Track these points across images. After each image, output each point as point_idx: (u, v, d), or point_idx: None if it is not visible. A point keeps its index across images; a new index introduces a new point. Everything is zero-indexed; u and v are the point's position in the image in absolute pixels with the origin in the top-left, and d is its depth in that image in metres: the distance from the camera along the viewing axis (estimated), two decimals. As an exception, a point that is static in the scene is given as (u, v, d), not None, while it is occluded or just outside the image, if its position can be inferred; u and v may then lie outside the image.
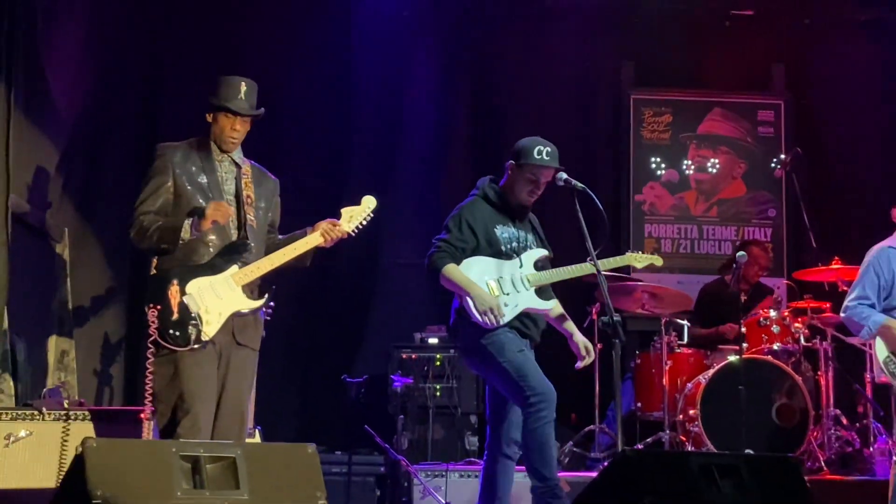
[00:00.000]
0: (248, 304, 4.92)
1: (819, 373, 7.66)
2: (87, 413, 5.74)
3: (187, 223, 4.81)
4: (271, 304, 6.43)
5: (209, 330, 4.78)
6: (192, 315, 4.75)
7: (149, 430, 5.43)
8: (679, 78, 9.67)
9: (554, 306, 5.55)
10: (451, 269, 5.35)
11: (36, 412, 5.65)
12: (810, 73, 9.66)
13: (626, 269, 8.90)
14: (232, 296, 4.86)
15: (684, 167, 9.56)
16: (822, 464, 7.25)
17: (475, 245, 5.44)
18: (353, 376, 7.45)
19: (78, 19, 7.31)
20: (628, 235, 9.27)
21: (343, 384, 7.41)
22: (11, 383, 6.20)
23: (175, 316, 4.74)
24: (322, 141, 8.88)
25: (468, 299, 5.30)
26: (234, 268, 4.89)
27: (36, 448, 5.57)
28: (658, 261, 6.03)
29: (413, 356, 7.80)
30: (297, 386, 8.66)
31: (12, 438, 5.59)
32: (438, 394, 7.69)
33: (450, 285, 5.40)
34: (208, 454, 3.74)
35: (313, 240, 5.06)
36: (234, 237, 4.96)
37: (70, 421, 5.66)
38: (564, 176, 5.47)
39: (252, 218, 5.01)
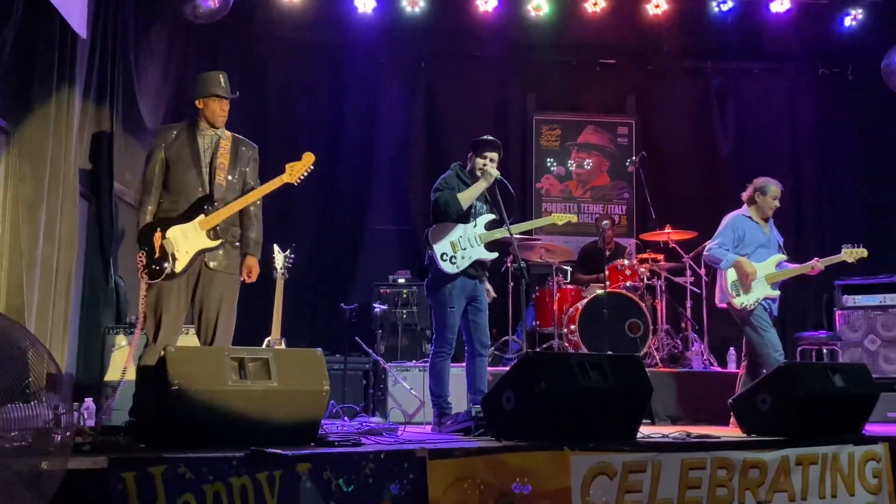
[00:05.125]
0: (209, 244, 4.64)
1: (656, 301, 7.76)
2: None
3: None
4: (292, 256, 6.44)
5: (178, 266, 4.56)
6: (169, 254, 4.57)
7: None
8: (565, 104, 9.65)
9: (495, 256, 5.45)
10: (459, 196, 5.30)
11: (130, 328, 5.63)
12: (652, 103, 9.68)
13: (530, 230, 9.05)
14: (197, 238, 4.61)
15: (569, 165, 9.57)
16: (658, 361, 7.38)
17: None
18: (347, 304, 7.43)
19: (157, 59, 7.19)
20: (531, 210, 9.28)
21: (341, 309, 7.39)
22: (115, 309, 6.16)
23: (157, 255, 4.56)
24: (320, 146, 8.74)
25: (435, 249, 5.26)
26: (201, 216, 4.63)
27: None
28: (574, 218, 6.00)
29: (388, 291, 7.78)
30: (310, 310, 8.62)
31: (116, 347, 5.57)
32: (405, 316, 7.68)
33: (462, 202, 5.28)
34: (250, 356, 3.72)
35: (253, 195, 4.74)
36: (201, 194, 4.67)
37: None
38: (488, 169, 5.45)
39: (221, 179, 4.69)
